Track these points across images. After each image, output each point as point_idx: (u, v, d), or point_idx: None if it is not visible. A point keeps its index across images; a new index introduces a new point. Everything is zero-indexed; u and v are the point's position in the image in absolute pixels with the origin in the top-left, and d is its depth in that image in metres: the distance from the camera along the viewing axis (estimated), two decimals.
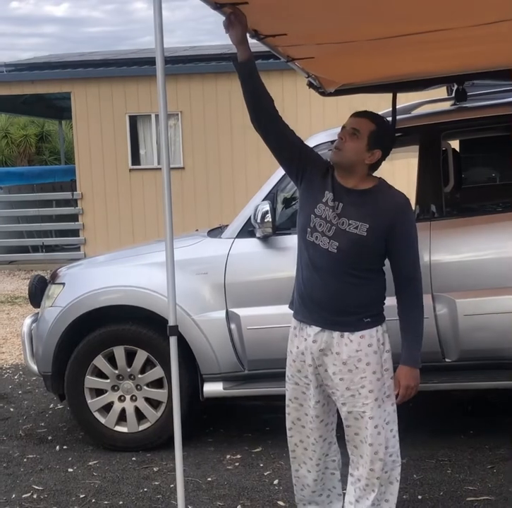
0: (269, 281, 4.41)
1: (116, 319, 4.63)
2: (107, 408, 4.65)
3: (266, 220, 4.29)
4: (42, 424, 5.25)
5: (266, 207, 4.30)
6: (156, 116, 12.53)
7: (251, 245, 4.46)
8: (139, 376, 4.59)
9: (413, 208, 3.98)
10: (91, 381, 4.63)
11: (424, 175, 4.50)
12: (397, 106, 4.54)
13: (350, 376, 3.03)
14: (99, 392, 4.66)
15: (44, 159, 25.98)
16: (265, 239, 4.41)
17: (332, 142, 3.12)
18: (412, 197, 3.43)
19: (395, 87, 4.57)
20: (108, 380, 4.63)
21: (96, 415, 4.64)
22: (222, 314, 4.42)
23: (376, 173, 3.13)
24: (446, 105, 5.11)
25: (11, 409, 5.61)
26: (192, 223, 11.14)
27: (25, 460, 4.59)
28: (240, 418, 5.26)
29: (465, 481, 3.98)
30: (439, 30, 3.22)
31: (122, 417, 4.63)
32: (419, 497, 3.82)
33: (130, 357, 4.58)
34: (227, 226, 4.73)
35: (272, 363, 4.21)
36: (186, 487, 3.80)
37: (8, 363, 7.01)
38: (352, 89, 4.78)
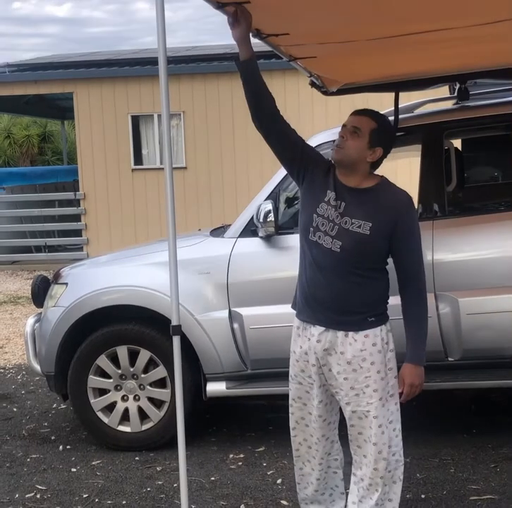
0: (271, 280, 4.41)
1: (119, 319, 4.63)
2: (110, 407, 4.65)
3: (268, 219, 4.29)
4: (45, 424, 5.25)
5: (269, 206, 4.30)
6: (159, 116, 12.54)
7: (253, 244, 4.46)
8: (142, 376, 4.59)
9: (416, 207, 3.98)
10: (94, 381, 4.63)
11: (426, 174, 4.49)
12: (399, 105, 4.54)
13: (354, 375, 3.03)
14: (102, 392, 4.66)
15: (46, 160, 26.00)
16: (268, 238, 4.41)
17: (334, 141, 3.12)
18: (414, 196, 3.42)
19: (397, 86, 4.56)
20: (111, 380, 4.63)
21: (100, 414, 4.64)
22: (225, 313, 4.43)
23: (378, 172, 3.14)
24: (449, 104, 5.11)
25: (14, 409, 5.62)
26: (194, 222, 11.16)
27: (28, 460, 4.59)
28: (243, 417, 5.26)
29: (469, 480, 3.98)
30: (440, 30, 3.22)
31: (125, 417, 4.64)
32: (423, 496, 3.82)
33: (133, 357, 4.59)
34: (229, 225, 4.73)
35: (275, 363, 4.22)
36: (189, 486, 3.80)
37: (11, 362, 7.02)
38: (354, 89, 4.77)
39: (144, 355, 4.56)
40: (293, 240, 4.11)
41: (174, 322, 3.13)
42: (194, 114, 13.08)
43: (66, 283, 4.77)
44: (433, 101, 5.25)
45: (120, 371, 4.61)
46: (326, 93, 4.93)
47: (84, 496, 4.02)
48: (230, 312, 4.42)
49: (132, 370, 4.60)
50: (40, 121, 25.75)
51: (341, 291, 3.02)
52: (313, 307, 3.09)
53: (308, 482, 3.35)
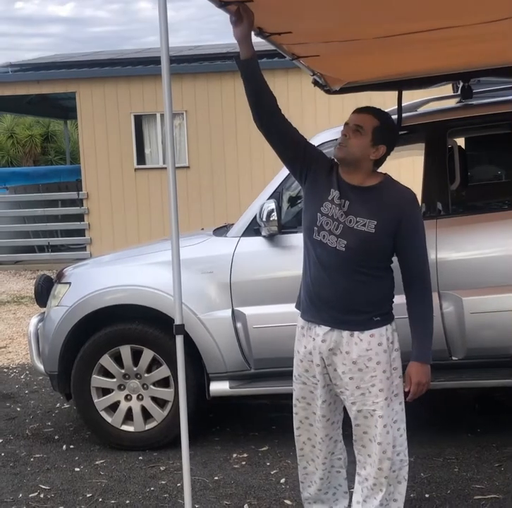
0: (274, 279, 4.41)
1: (122, 319, 4.63)
2: (114, 407, 4.65)
3: (271, 218, 4.28)
4: (49, 423, 5.25)
5: (272, 205, 4.29)
6: (162, 115, 12.53)
7: (257, 243, 4.45)
8: (146, 375, 4.59)
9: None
10: (97, 380, 4.63)
11: (430, 173, 4.48)
12: (403, 104, 4.53)
13: (360, 375, 3.03)
14: (105, 391, 4.66)
15: (49, 159, 26.03)
16: (271, 238, 4.40)
17: (337, 140, 3.11)
18: (418, 194, 3.41)
19: (400, 84, 4.55)
20: (115, 379, 4.63)
21: (103, 414, 4.64)
22: (228, 313, 4.42)
23: (381, 170, 3.13)
24: (452, 102, 5.10)
25: (18, 409, 5.62)
26: (197, 222, 11.16)
27: (31, 459, 4.59)
28: (247, 416, 5.25)
29: (473, 479, 3.97)
30: (444, 28, 3.21)
31: (128, 416, 4.64)
32: (427, 495, 3.82)
33: (137, 356, 4.58)
34: (233, 224, 4.72)
35: (278, 362, 4.21)
36: (193, 486, 3.80)
37: (14, 362, 7.03)
38: (357, 87, 4.76)
39: (148, 355, 4.55)
40: (296, 239, 4.11)
41: (177, 322, 3.12)
42: (197, 114, 13.08)
43: (69, 283, 4.77)
44: (436, 99, 5.24)
45: (123, 370, 4.61)
46: (329, 92, 4.92)
47: (88, 495, 4.02)
48: (233, 311, 4.42)
49: (135, 369, 4.59)
50: (43, 121, 25.78)
51: (346, 290, 3.01)
52: (318, 306, 3.08)
53: (312, 481, 3.34)
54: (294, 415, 3.29)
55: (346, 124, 3.05)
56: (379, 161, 3.07)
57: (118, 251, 5.86)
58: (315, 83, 4.78)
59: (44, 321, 4.85)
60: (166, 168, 3.12)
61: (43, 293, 5.07)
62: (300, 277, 3.21)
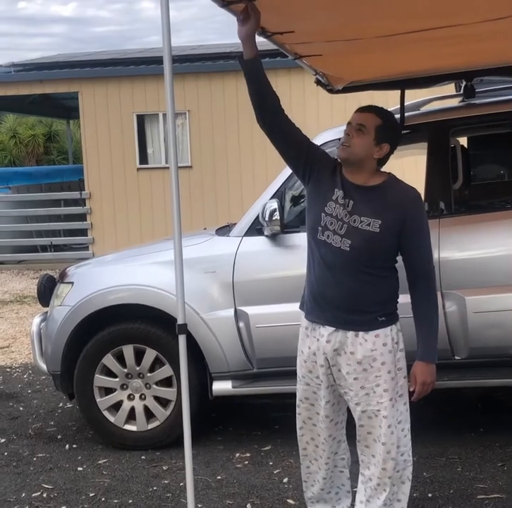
0: (277, 279, 4.40)
1: (125, 318, 4.63)
2: (116, 406, 4.65)
3: (274, 218, 4.28)
4: (52, 423, 5.26)
5: (275, 205, 4.29)
6: (164, 115, 12.54)
7: (259, 243, 4.45)
8: (149, 375, 4.59)
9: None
10: (100, 380, 4.63)
11: (432, 172, 4.48)
12: (405, 103, 4.53)
13: (364, 375, 3.02)
14: (108, 391, 4.67)
15: (52, 159, 26.04)
16: (273, 237, 4.40)
17: (340, 139, 3.11)
18: (421, 194, 3.41)
19: (403, 84, 4.55)
20: (118, 379, 4.63)
21: (106, 413, 4.64)
22: (231, 312, 4.42)
23: (385, 170, 3.12)
24: (455, 102, 5.09)
25: (21, 408, 5.62)
26: (199, 221, 11.14)
27: (34, 459, 4.60)
28: (249, 416, 5.25)
29: (476, 479, 3.97)
30: (446, 27, 3.21)
31: (131, 416, 4.64)
32: (430, 495, 3.81)
33: (139, 356, 4.59)
34: (235, 224, 4.72)
35: (281, 361, 4.21)
36: (196, 485, 3.80)
37: (17, 362, 7.03)
38: (360, 87, 4.75)
39: (150, 354, 4.56)
40: (299, 238, 4.11)
41: (180, 321, 3.12)
42: (200, 113, 13.08)
43: (72, 283, 4.78)
44: (439, 98, 5.24)
45: (126, 370, 4.61)
46: (331, 91, 4.92)
47: (91, 495, 4.02)
48: (236, 311, 4.42)
49: (138, 369, 4.60)
50: (46, 121, 25.79)
51: (351, 290, 3.01)
52: (322, 306, 3.07)
53: (314, 481, 3.34)
54: (297, 415, 3.29)
55: (349, 123, 3.05)
56: (383, 160, 3.06)
57: (120, 251, 5.86)
58: (318, 83, 4.77)
59: (46, 320, 4.86)
60: (168, 167, 3.12)
61: (46, 292, 5.08)
62: (303, 277, 3.21)
